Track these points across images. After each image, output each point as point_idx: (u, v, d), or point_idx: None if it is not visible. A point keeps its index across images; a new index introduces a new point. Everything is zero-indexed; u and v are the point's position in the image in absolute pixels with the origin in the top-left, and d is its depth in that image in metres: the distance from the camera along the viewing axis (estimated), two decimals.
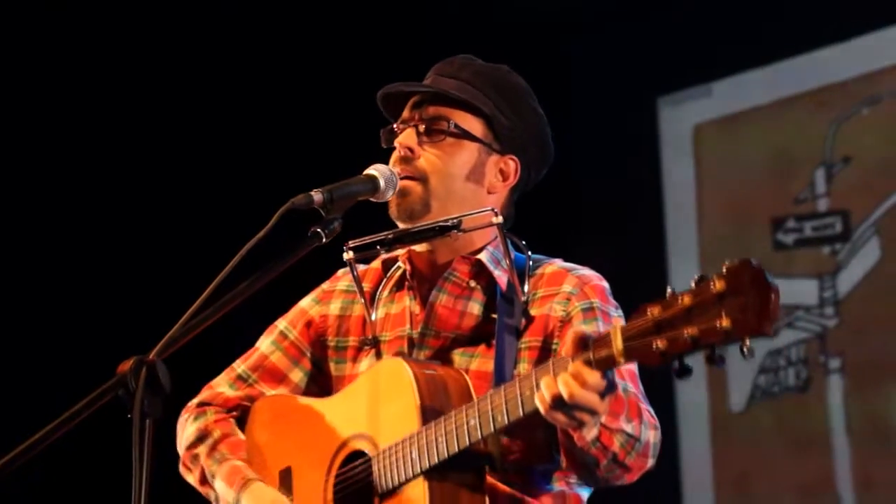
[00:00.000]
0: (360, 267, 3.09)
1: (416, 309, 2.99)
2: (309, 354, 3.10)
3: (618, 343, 2.42)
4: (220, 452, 3.02)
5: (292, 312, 3.15)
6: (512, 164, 3.01)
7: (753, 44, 5.98)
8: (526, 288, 2.91)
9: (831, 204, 5.88)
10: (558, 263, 2.99)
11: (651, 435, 2.70)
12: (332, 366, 3.08)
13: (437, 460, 2.69)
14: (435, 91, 2.98)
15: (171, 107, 6.17)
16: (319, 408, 3.00)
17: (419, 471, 2.72)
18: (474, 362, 2.89)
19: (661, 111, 6.32)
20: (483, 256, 2.96)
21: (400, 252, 3.04)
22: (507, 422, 2.62)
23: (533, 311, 2.89)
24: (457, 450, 2.67)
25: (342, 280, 3.14)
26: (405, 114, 3.02)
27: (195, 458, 3.05)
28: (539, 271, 2.96)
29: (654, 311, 2.37)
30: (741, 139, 6.12)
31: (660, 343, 2.35)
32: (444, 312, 2.95)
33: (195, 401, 3.13)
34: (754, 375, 5.92)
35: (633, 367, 2.80)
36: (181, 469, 3.09)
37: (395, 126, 3.02)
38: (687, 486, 6.03)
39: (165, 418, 2.48)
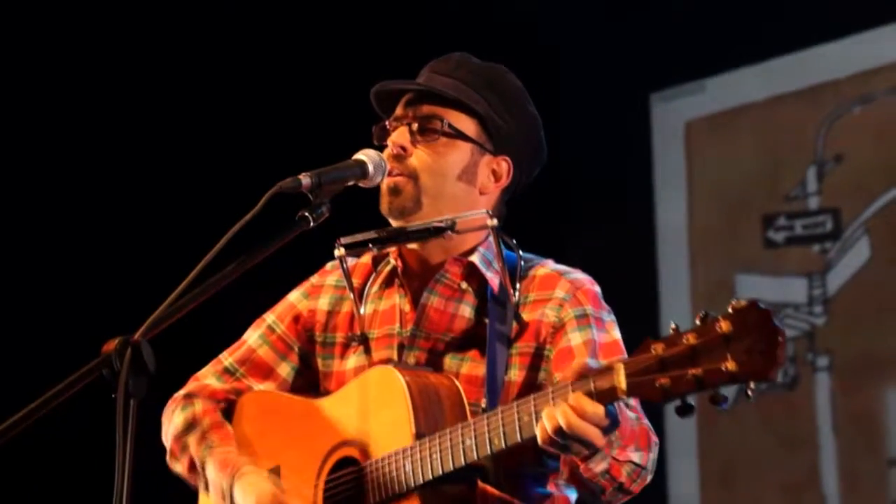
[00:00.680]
0: (350, 261, 3.08)
1: (407, 307, 2.98)
2: (296, 349, 3.09)
3: (620, 379, 2.42)
4: (211, 440, 3.00)
5: (280, 306, 3.14)
6: (504, 165, 2.99)
7: (747, 41, 5.98)
8: (517, 290, 2.90)
9: (822, 202, 5.88)
10: (550, 265, 2.97)
11: (654, 455, 2.71)
12: (319, 361, 3.06)
13: (430, 476, 2.70)
14: (429, 90, 2.96)
15: (161, 89, 6.15)
16: (309, 409, 2.99)
17: (413, 486, 2.72)
18: (465, 366, 2.88)
19: (654, 107, 6.32)
20: (475, 258, 2.94)
21: (391, 249, 3.02)
22: (503, 446, 2.62)
23: (525, 316, 2.88)
24: (451, 468, 2.68)
25: (331, 275, 3.12)
26: (398, 111, 3.00)
27: (184, 446, 3.03)
28: (531, 273, 2.95)
29: (657, 349, 2.37)
30: (733, 136, 6.12)
31: (663, 381, 2.35)
32: (436, 314, 2.94)
33: (181, 392, 3.11)
34: None
35: None
36: (168, 459, 3.07)
37: (387, 123, 3.00)
38: (672, 482, 6.03)
39: (150, 406, 2.47)
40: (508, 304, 2.88)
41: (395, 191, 2.92)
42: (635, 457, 2.64)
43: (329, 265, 3.13)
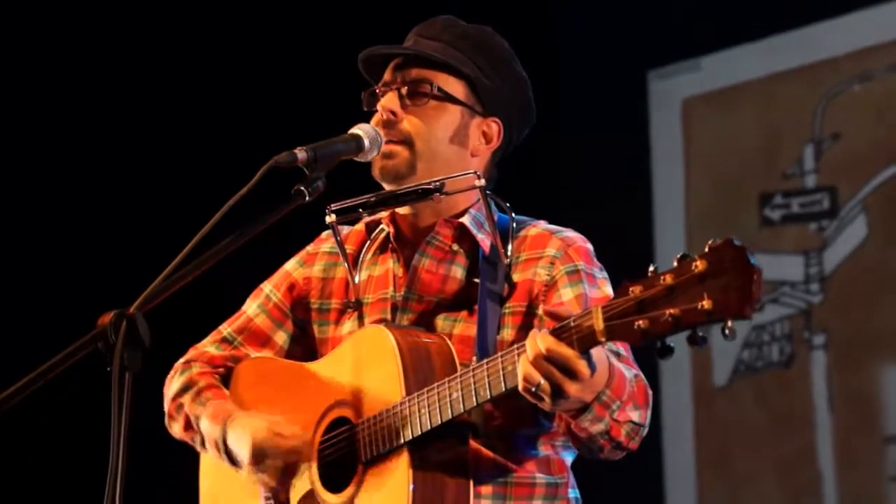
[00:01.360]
0: (344, 229, 3.09)
1: (400, 272, 2.99)
2: (292, 317, 3.10)
3: (598, 321, 2.41)
4: (205, 397, 3.03)
5: (277, 275, 3.16)
6: (495, 127, 3.00)
7: (744, 18, 5.96)
8: (509, 250, 2.91)
9: (819, 180, 5.87)
10: (542, 225, 2.98)
11: (649, 411, 2.71)
12: (315, 328, 3.08)
13: (419, 431, 2.71)
14: (417, 53, 2.97)
15: (156, 65, 6.14)
16: (303, 372, 3.00)
17: (402, 441, 2.73)
18: (457, 327, 2.88)
19: (651, 85, 6.31)
20: (466, 220, 2.95)
21: (383, 214, 3.03)
22: (489, 396, 2.63)
23: (516, 276, 2.88)
24: (440, 422, 2.69)
25: (326, 242, 3.13)
26: (387, 76, 3.00)
27: (179, 406, 3.05)
28: (522, 233, 2.95)
29: (635, 290, 2.35)
30: (730, 114, 6.11)
31: (641, 323, 2.33)
32: (427, 276, 2.95)
33: (181, 360, 3.14)
34: (738, 350, 5.93)
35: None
36: (167, 422, 3.10)
37: (376, 88, 3.00)
38: (668, 460, 6.04)
39: (147, 381, 2.47)
40: (500, 265, 2.88)
41: (388, 155, 2.92)
42: (634, 416, 2.65)
43: (324, 234, 3.15)
